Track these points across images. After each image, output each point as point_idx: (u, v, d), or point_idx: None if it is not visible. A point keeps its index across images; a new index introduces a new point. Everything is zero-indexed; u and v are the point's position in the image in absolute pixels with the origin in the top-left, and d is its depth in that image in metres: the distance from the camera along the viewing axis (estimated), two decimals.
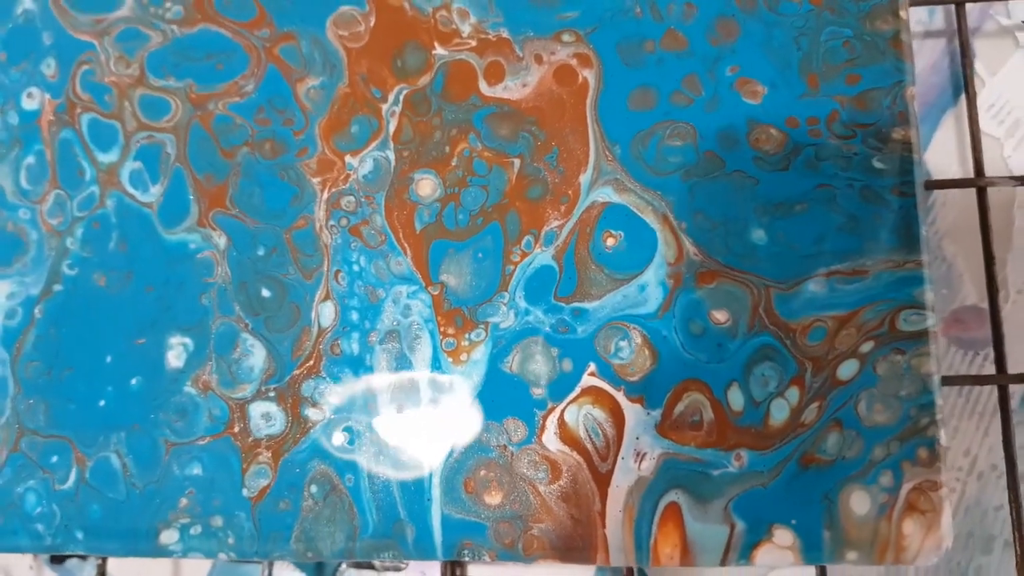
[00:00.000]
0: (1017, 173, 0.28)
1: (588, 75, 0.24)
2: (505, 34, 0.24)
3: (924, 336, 0.22)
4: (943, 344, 0.30)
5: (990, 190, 0.26)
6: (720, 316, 0.22)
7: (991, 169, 0.28)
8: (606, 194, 0.23)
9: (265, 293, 0.24)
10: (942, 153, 0.30)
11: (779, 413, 0.22)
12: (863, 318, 0.22)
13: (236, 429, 0.24)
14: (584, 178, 0.23)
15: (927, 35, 0.31)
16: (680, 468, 0.22)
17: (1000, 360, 0.25)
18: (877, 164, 0.22)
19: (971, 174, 0.27)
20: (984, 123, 0.30)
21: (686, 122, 0.23)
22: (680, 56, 0.23)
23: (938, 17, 0.30)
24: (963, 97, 0.28)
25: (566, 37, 0.24)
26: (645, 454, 0.22)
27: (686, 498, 0.22)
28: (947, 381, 0.25)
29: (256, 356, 0.24)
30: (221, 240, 0.24)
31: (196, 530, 0.23)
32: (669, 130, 0.23)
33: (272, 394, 0.24)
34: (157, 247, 0.25)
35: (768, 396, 0.22)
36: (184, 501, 0.23)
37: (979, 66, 0.30)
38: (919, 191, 0.22)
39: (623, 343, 0.23)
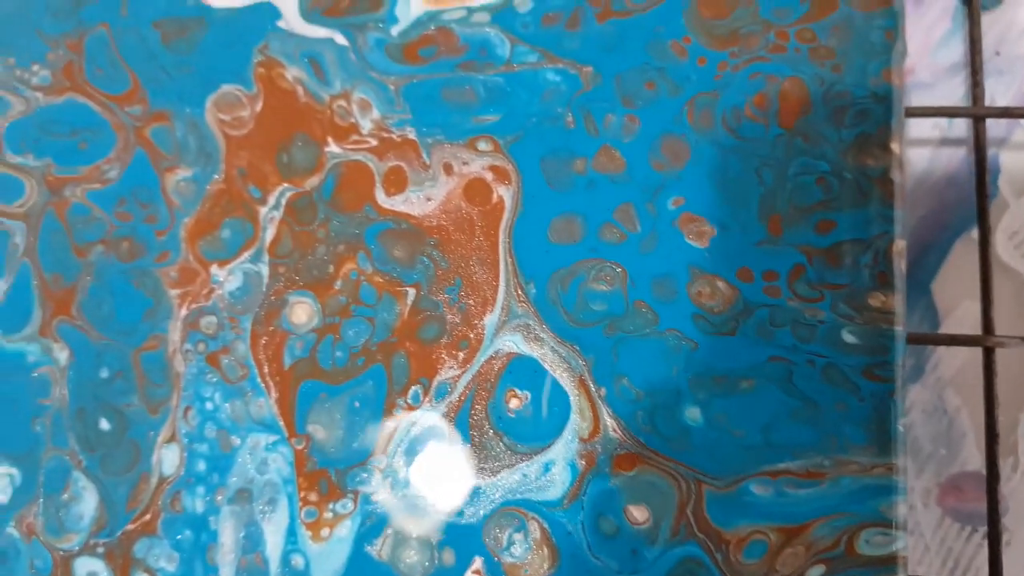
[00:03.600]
0: None
1: (504, 193, 0.20)
2: (411, 135, 0.20)
3: (891, 563, 0.17)
4: (937, 515, 0.25)
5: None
6: (638, 514, 0.18)
7: (1014, 310, 0.23)
8: (514, 342, 0.19)
9: (104, 425, 0.20)
10: (952, 288, 0.25)
11: None
12: (814, 534, 0.17)
13: None
14: (489, 320, 0.19)
15: (944, 142, 0.26)
16: None
17: (995, 554, 0.21)
18: (847, 337, 0.18)
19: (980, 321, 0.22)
20: (1007, 254, 0.25)
21: (616, 262, 0.19)
22: (615, 180, 0.19)
23: (959, 122, 0.25)
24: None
25: (482, 145, 0.20)
26: None
27: None
28: None
29: (87, 501, 0.20)
30: (63, 355, 0.21)
31: None
32: (595, 271, 0.19)
33: (101, 550, 0.20)
34: None
35: None
36: None
37: (1003, 184, 0.25)
38: (898, 375, 0.18)
39: (518, 535, 0.18)
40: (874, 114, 0.18)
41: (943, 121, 0.25)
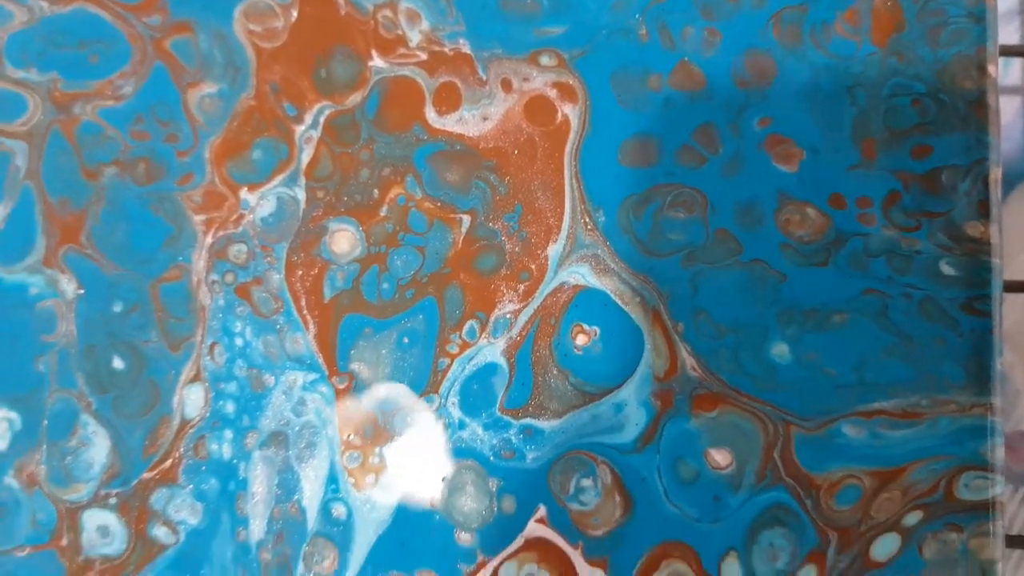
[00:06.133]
0: None
1: (570, 112, 0.18)
2: (466, 48, 0.18)
3: (989, 509, 0.16)
4: None
5: None
6: (720, 458, 0.16)
7: None
8: (580, 274, 0.17)
9: (117, 364, 0.18)
10: (1008, 241, 0.25)
11: None
12: (910, 478, 0.16)
13: (64, 542, 0.18)
14: (553, 250, 0.18)
15: (999, 91, 0.25)
16: None
17: None
18: (946, 269, 0.17)
19: None
20: None
21: (695, 188, 0.17)
22: (694, 98, 0.18)
23: (1014, 69, 0.25)
24: None
25: (545, 59, 0.18)
26: None
27: None
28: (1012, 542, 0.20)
29: (98, 447, 0.18)
30: (70, 287, 0.18)
31: None
32: (672, 196, 0.17)
33: (113, 501, 0.18)
34: None
35: (776, 575, 0.16)
36: None
37: None
38: (997, 309, 0.17)
39: (587, 482, 0.17)
40: (970, 35, 0.17)
41: (999, 70, 0.24)
